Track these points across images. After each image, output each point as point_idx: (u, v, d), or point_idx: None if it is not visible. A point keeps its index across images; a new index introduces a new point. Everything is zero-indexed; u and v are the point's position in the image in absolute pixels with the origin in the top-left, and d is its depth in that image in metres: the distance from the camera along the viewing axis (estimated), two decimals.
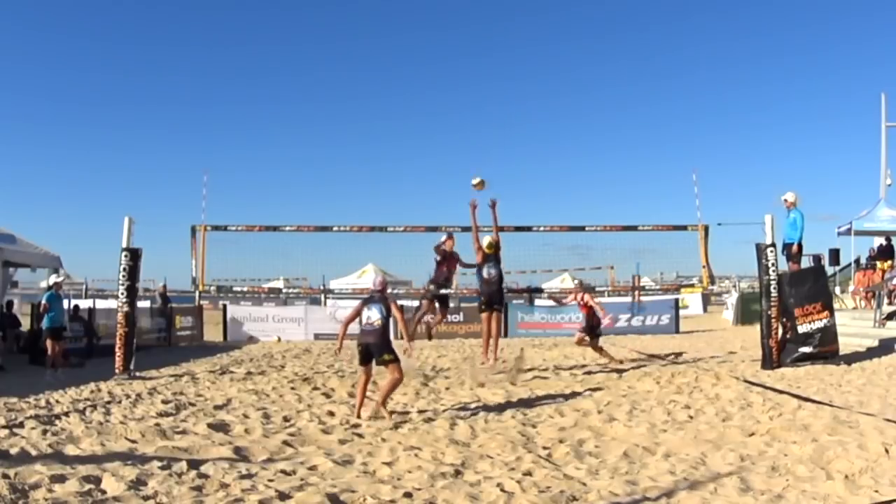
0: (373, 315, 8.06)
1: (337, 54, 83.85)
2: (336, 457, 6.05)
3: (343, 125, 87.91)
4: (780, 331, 12.15)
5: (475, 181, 12.19)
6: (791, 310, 12.16)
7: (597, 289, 34.36)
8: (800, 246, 13.07)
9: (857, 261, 21.10)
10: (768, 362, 11.87)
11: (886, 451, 5.58)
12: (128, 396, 9.52)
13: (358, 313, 8.20)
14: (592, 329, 13.33)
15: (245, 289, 25.82)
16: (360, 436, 7.03)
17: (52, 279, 13.75)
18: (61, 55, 79.09)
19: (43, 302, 12.79)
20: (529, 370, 12.65)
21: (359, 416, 7.97)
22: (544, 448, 6.38)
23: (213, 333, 23.07)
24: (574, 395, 9.48)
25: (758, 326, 13.21)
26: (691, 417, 7.69)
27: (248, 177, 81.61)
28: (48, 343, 12.54)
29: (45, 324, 12.63)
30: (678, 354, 15.23)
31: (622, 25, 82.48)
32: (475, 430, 7.23)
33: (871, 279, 18.93)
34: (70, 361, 13.55)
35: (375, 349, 8.03)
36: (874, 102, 24.05)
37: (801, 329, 12.03)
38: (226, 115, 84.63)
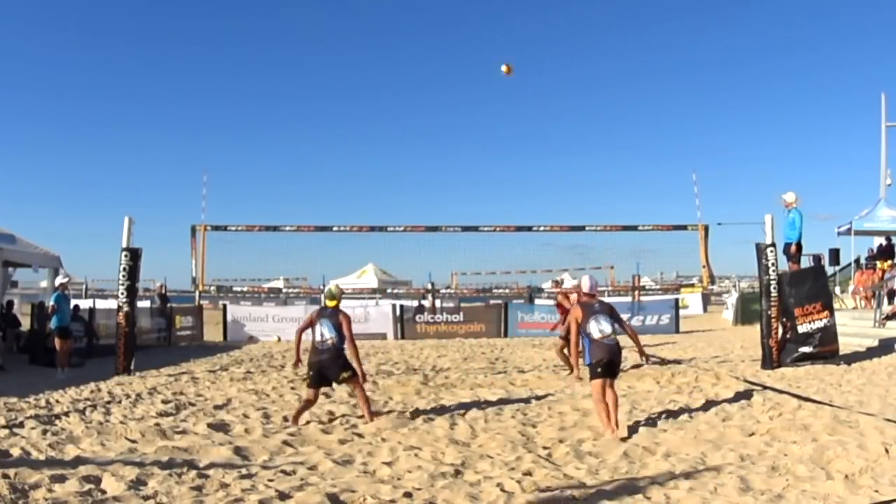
0: (605, 328, 7.07)
1: (337, 54, 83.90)
2: (336, 457, 6.05)
3: (343, 125, 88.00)
4: (780, 331, 12.16)
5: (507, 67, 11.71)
6: (791, 310, 12.17)
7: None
8: (798, 246, 13.08)
9: (857, 261, 21.11)
10: (768, 362, 11.88)
11: (886, 451, 5.59)
12: (128, 396, 9.52)
13: (588, 319, 7.15)
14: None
15: (245, 289, 25.91)
16: (360, 436, 7.03)
17: (59, 280, 13.80)
18: (61, 54, 79.16)
19: (51, 303, 12.87)
20: (530, 370, 12.63)
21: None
22: (544, 448, 6.38)
23: (213, 333, 23.06)
24: (574, 395, 9.48)
25: (758, 326, 13.23)
26: (691, 417, 7.68)
27: (248, 177, 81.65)
28: (58, 342, 12.66)
29: (53, 324, 12.73)
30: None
31: (621, 24, 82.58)
32: (475, 430, 7.22)
33: (871, 279, 18.94)
34: (71, 361, 13.56)
35: (614, 363, 7.22)
36: (874, 102, 24.10)
37: (801, 329, 12.04)
38: (226, 114, 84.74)
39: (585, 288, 7.56)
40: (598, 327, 7.13)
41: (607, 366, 7.08)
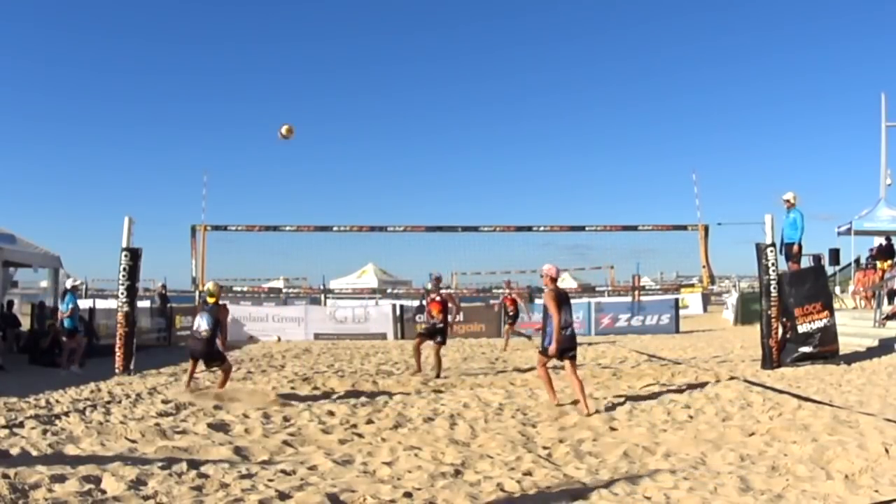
0: (570, 319, 8.24)
1: (337, 53, 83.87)
2: (336, 457, 6.05)
3: (343, 124, 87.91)
4: (780, 330, 12.16)
5: (284, 130, 11.91)
6: (791, 310, 12.17)
7: (597, 289, 34.44)
8: (800, 246, 13.09)
9: (857, 261, 21.12)
10: (768, 362, 11.88)
11: (886, 450, 5.58)
12: (128, 396, 9.52)
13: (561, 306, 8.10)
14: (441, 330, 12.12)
15: (245, 289, 25.93)
16: (360, 436, 7.03)
17: (71, 283, 14.04)
18: (60, 53, 79.09)
19: (71, 307, 13.17)
20: (530, 370, 12.63)
21: None
22: (544, 448, 6.38)
23: None
24: (574, 394, 9.47)
25: (758, 326, 13.22)
26: (691, 417, 7.68)
27: (248, 177, 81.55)
28: (73, 341, 12.99)
29: (67, 324, 13.00)
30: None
31: (620, 23, 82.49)
32: (475, 430, 7.23)
33: (871, 279, 18.94)
34: (72, 359, 13.63)
35: (569, 349, 8.33)
36: (874, 102, 24.10)
37: (801, 329, 12.04)
38: (226, 113, 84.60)
39: (554, 275, 8.40)
40: (566, 317, 8.11)
41: (561, 351, 8.10)
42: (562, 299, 8.12)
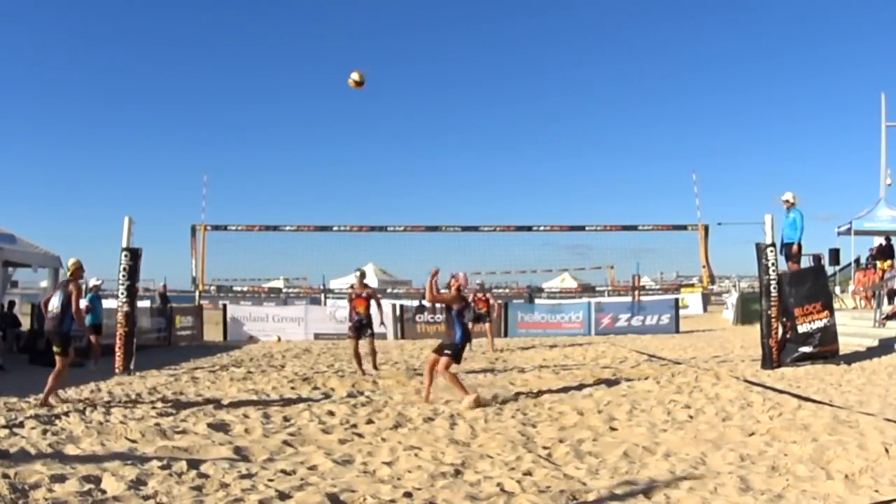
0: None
1: (337, 54, 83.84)
2: (336, 456, 6.05)
3: (343, 125, 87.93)
4: (780, 330, 12.15)
5: (357, 79, 11.20)
6: (791, 309, 12.16)
7: (597, 288, 34.44)
8: (800, 246, 13.09)
9: (857, 261, 21.12)
10: (768, 362, 11.87)
11: (886, 450, 5.58)
12: (128, 396, 9.51)
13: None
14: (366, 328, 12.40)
15: (245, 289, 25.97)
16: (360, 435, 7.03)
17: (93, 282, 14.35)
18: (61, 55, 79.12)
19: (86, 304, 13.37)
20: (530, 370, 12.63)
21: None
22: (544, 448, 6.38)
23: (213, 333, 23.06)
24: (574, 395, 9.48)
25: (758, 326, 13.23)
26: (691, 417, 7.68)
27: (248, 177, 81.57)
28: (92, 338, 13.23)
29: (88, 321, 13.24)
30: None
31: (621, 25, 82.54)
32: (475, 430, 7.22)
33: (871, 279, 18.94)
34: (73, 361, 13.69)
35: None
36: (874, 102, 24.10)
37: (801, 329, 12.03)
38: (226, 114, 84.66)
39: (464, 282, 9.28)
40: (469, 316, 9.24)
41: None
42: (463, 302, 9.16)
